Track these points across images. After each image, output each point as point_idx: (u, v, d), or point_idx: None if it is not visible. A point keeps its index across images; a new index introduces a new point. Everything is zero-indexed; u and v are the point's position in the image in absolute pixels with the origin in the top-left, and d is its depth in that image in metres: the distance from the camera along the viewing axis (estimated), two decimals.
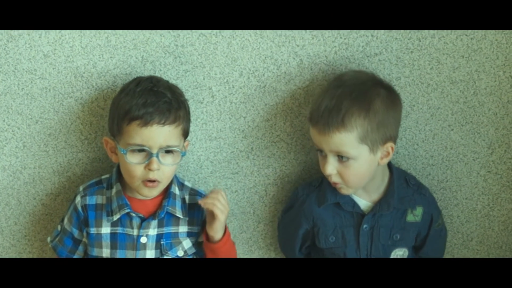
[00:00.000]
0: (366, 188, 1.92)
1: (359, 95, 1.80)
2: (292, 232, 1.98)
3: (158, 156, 1.80)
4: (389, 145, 1.85)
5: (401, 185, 1.95)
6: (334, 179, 1.85)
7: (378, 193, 1.94)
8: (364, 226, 1.92)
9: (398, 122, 1.89)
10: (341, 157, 1.82)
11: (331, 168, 1.83)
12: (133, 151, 1.81)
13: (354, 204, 1.93)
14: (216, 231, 1.87)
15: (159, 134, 1.79)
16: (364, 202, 1.93)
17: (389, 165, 1.95)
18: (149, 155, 1.80)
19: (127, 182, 1.87)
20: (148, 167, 1.80)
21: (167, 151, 1.82)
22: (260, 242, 2.14)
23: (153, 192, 1.86)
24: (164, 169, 1.82)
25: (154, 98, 1.80)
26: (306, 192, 1.97)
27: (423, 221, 1.95)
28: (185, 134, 1.87)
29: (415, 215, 1.94)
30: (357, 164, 1.82)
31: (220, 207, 1.84)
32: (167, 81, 1.89)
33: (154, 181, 1.82)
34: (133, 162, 1.81)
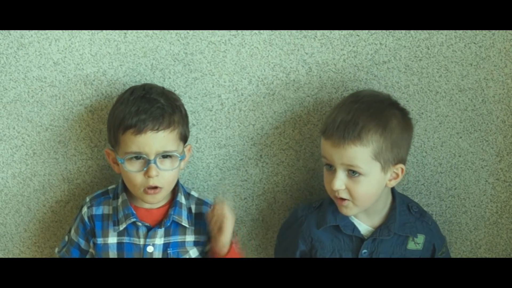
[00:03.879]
0: (367, 211, 1.89)
1: (376, 112, 1.80)
2: (291, 255, 1.95)
3: (155, 162, 1.80)
4: (400, 166, 1.84)
5: (403, 211, 1.91)
6: (342, 194, 1.82)
7: (380, 217, 1.91)
8: (363, 251, 1.89)
9: (409, 145, 1.88)
10: (351, 172, 1.80)
11: (339, 183, 1.81)
12: (130, 159, 1.81)
13: (354, 227, 1.89)
14: (223, 245, 1.87)
15: (154, 140, 1.79)
16: (364, 226, 1.90)
17: (392, 190, 1.92)
18: (147, 162, 1.80)
19: (131, 191, 1.87)
20: (147, 174, 1.81)
21: (165, 156, 1.82)
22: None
23: (157, 198, 1.85)
24: (164, 175, 1.82)
25: (146, 105, 1.80)
26: (306, 213, 1.95)
27: (424, 249, 1.91)
28: (183, 138, 1.86)
29: (416, 243, 1.90)
30: (367, 181, 1.80)
31: (230, 219, 1.84)
32: (162, 87, 1.89)
33: (155, 187, 1.83)
34: (132, 171, 1.82)
